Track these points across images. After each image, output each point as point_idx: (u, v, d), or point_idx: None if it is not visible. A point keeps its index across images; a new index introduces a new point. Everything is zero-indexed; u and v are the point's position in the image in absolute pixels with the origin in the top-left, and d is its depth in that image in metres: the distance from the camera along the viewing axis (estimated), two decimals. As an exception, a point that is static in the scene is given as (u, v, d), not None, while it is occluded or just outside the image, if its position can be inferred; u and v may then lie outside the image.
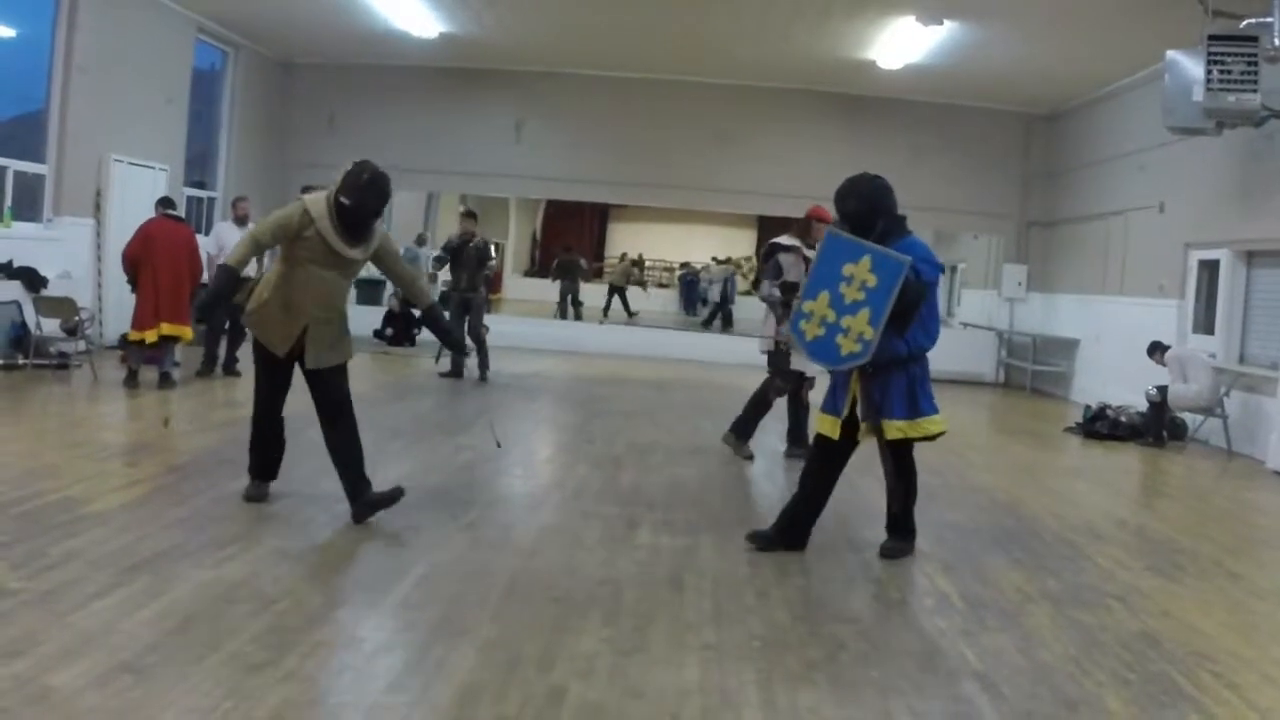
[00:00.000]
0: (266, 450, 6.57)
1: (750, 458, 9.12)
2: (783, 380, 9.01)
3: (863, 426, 6.16)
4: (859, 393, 6.12)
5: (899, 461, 6.29)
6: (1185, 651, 4.96)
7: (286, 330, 6.22)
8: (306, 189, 15.42)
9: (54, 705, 3.55)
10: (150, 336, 10.86)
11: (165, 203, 11.55)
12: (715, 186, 18.95)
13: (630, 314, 28.55)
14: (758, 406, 9.18)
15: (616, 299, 29.11)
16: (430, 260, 14.63)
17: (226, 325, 12.44)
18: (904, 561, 6.22)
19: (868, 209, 6.01)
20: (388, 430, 7.99)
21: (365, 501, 6.26)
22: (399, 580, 5.28)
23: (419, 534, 6.13)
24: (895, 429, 6.09)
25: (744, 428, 9.23)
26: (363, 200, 6.05)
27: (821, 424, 6.29)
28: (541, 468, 8.88)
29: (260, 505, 6.43)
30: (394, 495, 6.32)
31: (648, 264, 35.80)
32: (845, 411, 6.16)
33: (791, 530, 6.28)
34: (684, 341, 20.52)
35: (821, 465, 6.32)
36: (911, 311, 5.86)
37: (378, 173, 6.14)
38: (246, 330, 13.21)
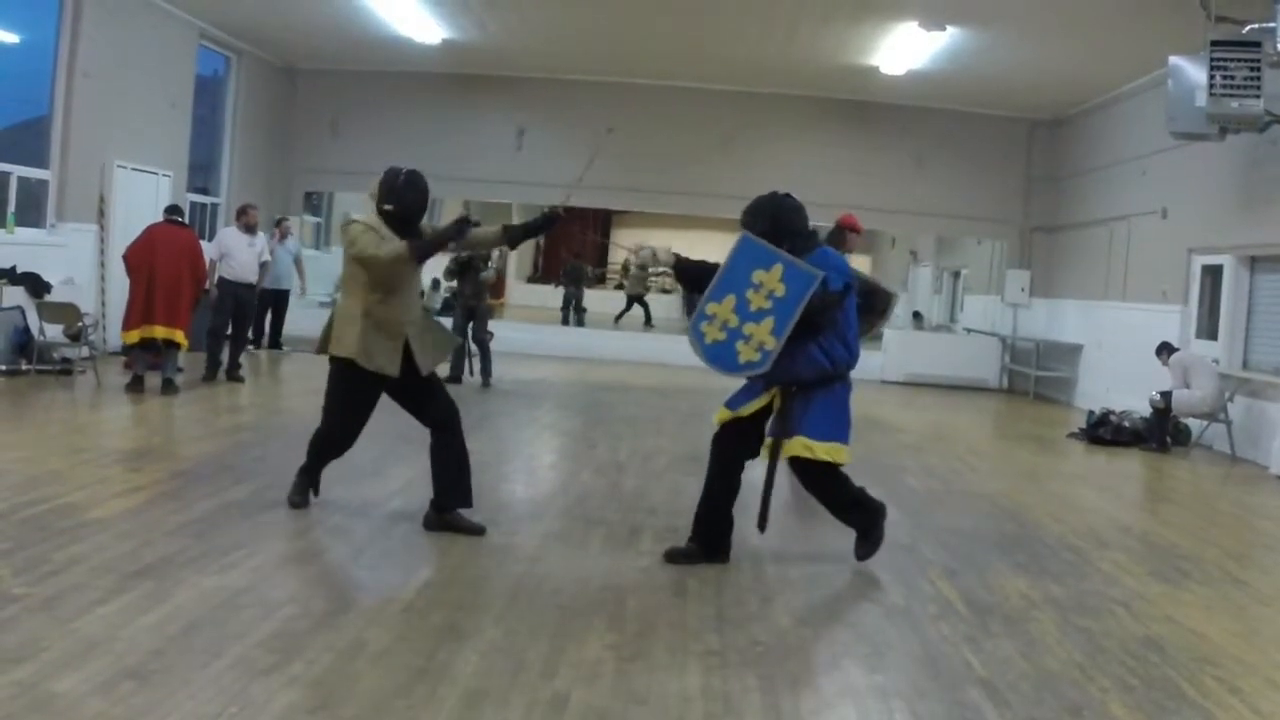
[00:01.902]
0: (326, 463, 6.61)
1: None
2: None
3: (767, 441, 5.98)
4: (777, 409, 5.94)
5: (808, 481, 6.08)
6: (1189, 657, 4.95)
7: (393, 348, 6.21)
8: (280, 220, 15.60)
9: (57, 712, 3.54)
10: (132, 337, 10.86)
11: (172, 209, 11.58)
12: (718, 192, 18.86)
13: (648, 323, 28.67)
14: None
15: (637, 307, 29.31)
16: (442, 271, 14.78)
17: (229, 331, 12.49)
18: (907, 567, 6.20)
19: (770, 228, 5.87)
20: (392, 436, 7.98)
21: (447, 519, 6.31)
22: (403, 586, 5.28)
23: (422, 540, 6.13)
24: (800, 445, 5.85)
25: None
26: (404, 201, 6.20)
27: (719, 415, 6.10)
28: (544, 474, 8.88)
29: (265, 512, 6.41)
30: (476, 529, 6.33)
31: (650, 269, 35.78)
32: (746, 413, 5.98)
33: (710, 540, 6.08)
34: (687, 348, 20.48)
35: (719, 466, 6.08)
36: (820, 318, 5.70)
37: (412, 172, 6.28)
38: (249, 335, 13.40)
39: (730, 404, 6.07)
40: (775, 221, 5.90)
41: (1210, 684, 4.61)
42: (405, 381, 6.29)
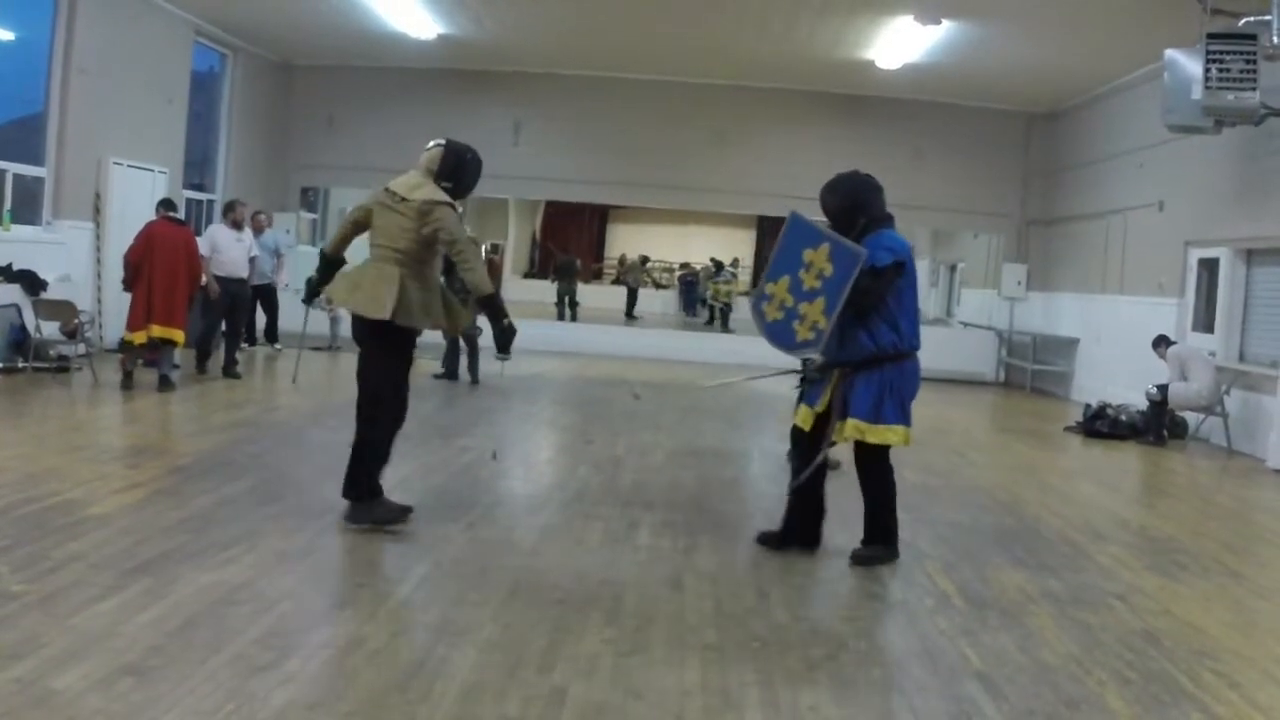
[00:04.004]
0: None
1: (838, 465, 8.93)
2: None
3: (836, 425, 6.05)
4: (834, 392, 6.05)
5: (861, 464, 6.13)
6: (1187, 650, 4.96)
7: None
8: (256, 213, 15.28)
9: (56, 708, 3.54)
10: (139, 338, 10.86)
11: (166, 204, 11.52)
12: (714, 187, 18.95)
13: (630, 316, 29.12)
14: None
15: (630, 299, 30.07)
16: None
17: (223, 327, 12.52)
18: (904, 561, 6.19)
19: (849, 205, 5.95)
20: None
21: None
22: (400, 581, 5.29)
23: (420, 535, 6.12)
24: (852, 428, 5.93)
25: None
26: (464, 181, 6.29)
27: (796, 415, 6.26)
28: (542, 469, 8.89)
29: (262, 508, 6.40)
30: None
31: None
32: (820, 407, 6.09)
33: (799, 529, 6.23)
34: (684, 343, 20.51)
35: (802, 459, 6.20)
36: (865, 300, 5.76)
37: (476, 153, 6.33)
38: (244, 330, 13.39)
39: (808, 402, 6.20)
40: (851, 198, 6.00)
41: (1207, 677, 4.62)
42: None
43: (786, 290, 5.89)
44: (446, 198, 6.13)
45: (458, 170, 6.21)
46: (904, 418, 6.00)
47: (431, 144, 6.30)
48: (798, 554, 6.23)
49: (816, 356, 6.11)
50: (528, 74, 18.57)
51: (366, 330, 6.19)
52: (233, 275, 12.61)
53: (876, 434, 5.93)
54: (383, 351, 6.23)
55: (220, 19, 15.91)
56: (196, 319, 12.12)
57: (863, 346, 5.91)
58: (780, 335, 5.98)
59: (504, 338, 6.37)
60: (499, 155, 18.80)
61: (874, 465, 6.11)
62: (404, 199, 6.12)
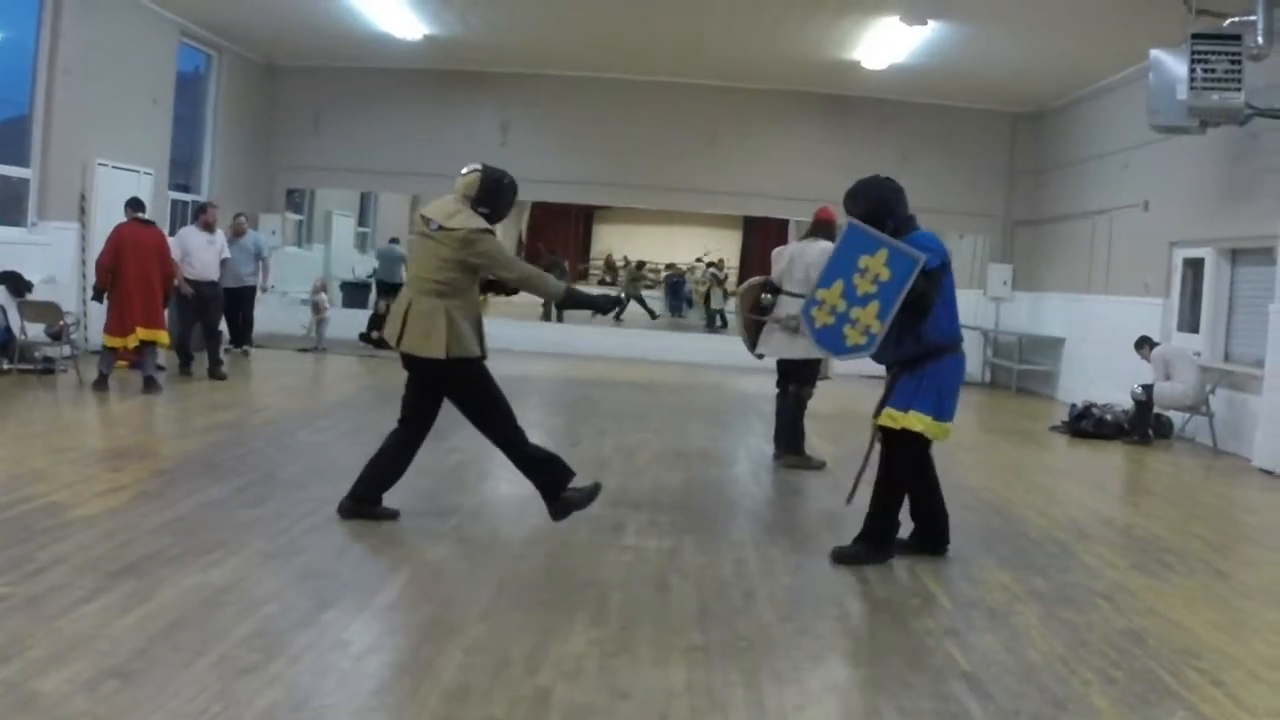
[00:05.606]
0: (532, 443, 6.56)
1: (823, 464, 9.01)
2: (810, 384, 8.98)
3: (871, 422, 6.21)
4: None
5: (886, 458, 6.16)
6: (1172, 649, 4.97)
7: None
8: (237, 216, 15.17)
9: (41, 711, 3.53)
10: (130, 342, 10.83)
11: (135, 204, 11.35)
12: (701, 188, 18.94)
13: (653, 316, 29.98)
14: (795, 413, 9.11)
15: (635, 305, 30.29)
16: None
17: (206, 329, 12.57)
18: (891, 560, 6.20)
19: (874, 210, 6.04)
20: (377, 433, 7.96)
21: (366, 509, 6.41)
22: (386, 583, 5.28)
23: (407, 536, 6.13)
24: (886, 416, 6.04)
25: (795, 442, 9.11)
26: (499, 206, 6.32)
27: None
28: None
29: (247, 510, 6.40)
30: (391, 514, 6.42)
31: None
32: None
33: (928, 534, 6.37)
34: (671, 344, 20.52)
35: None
36: (921, 303, 5.82)
37: (512, 178, 6.37)
38: (224, 331, 13.36)
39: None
40: (877, 203, 6.08)
41: (1193, 676, 4.63)
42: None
43: (839, 296, 5.94)
44: (486, 224, 6.13)
45: (494, 195, 6.21)
46: (934, 409, 6.02)
47: (467, 169, 6.30)
48: (782, 554, 6.24)
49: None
50: (515, 75, 18.53)
51: (434, 371, 6.21)
52: (203, 278, 12.68)
53: (905, 420, 5.98)
54: (468, 390, 6.36)
55: (206, 20, 15.86)
56: (174, 322, 12.11)
57: (907, 346, 5.99)
58: (830, 341, 6.08)
59: (610, 310, 6.73)
60: (487, 156, 18.39)
61: (895, 463, 6.12)
62: (442, 227, 6.08)
